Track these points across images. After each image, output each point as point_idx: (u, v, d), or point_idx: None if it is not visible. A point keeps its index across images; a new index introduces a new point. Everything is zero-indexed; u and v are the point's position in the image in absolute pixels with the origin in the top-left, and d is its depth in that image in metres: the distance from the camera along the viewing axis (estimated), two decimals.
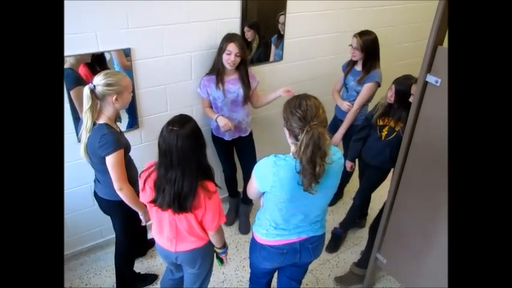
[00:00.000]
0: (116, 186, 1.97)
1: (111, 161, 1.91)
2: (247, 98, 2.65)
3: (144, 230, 2.76)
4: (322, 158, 1.51)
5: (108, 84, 1.84)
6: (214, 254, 2.04)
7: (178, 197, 1.66)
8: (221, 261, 2.05)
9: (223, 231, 1.93)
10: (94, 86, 1.84)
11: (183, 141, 1.58)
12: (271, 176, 1.60)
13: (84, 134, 1.92)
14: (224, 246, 1.99)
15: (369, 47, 2.75)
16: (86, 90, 1.84)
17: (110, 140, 1.88)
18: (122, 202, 2.05)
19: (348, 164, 2.84)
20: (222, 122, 2.59)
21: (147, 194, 1.76)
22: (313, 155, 1.49)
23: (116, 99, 1.89)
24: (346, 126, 3.00)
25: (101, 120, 1.92)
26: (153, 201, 1.72)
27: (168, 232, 1.83)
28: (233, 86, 2.60)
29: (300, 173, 1.55)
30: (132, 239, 2.41)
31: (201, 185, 1.68)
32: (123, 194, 1.99)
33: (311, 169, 1.51)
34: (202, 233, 1.83)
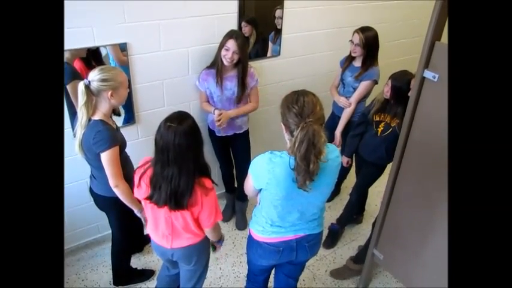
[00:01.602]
0: (111, 183, 1.96)
1: (106, 157, 1.89)
2: (241, 97, 2.63)
3: (141, 225, 2.75)
4: (317, 156, 1.50)
5: (103, 80, 1.82)
6: (210, 246, 2.03)
7: (174, 194, 1.64)
8: (214, 248, 2.04)
9: (219, 227, 1.93)
10: (89, 81, 1.83)
11: (180, 138, 1.57)
12: (266, 173, 1.60)
13: (79, 130, 1.91)
14: (221, 239, 2.00)
15: (370, 44, 2.74)
16: (81, 86, 1.82)
17: (105, 137, 1.87)
18: (117, 198, 2.04)
19: (345, 159, 2.84)
20: (216, 113, 2.59)
21: (142, 191, 1.74)
22: (307, 152, 1.47)
23: (111, 95, 1.87)
24: (343, 124, 3.00)
25: (96, 117, 1.90)
26: (149, 198, 1.71)
27: (163, 229, 1.82)
28: (230, 83, 2.59)
29: (294, 169, 1.54)
30: (129, 235, 2.40)
31: (197, 182, 1.67)
32: (119, 190, 1.98)
33: (305, 166, 1.49)
34: (198, 229, 1.82)
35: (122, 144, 2.01)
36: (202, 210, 1.72)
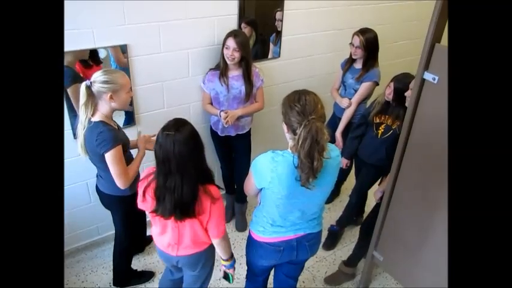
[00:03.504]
0: (118, 183, 1.97)
1: (110, 157, 1.90)
2: (249, 95, 2.64)
3: (144, 226, 2.76)
4: (320, 153, 1.52)
5: (103, 82, 1.83)
6: (222, 271, 1.94)
7: (179, 204, 1.62)
8: (230, 276, 1.95)
9: (229, 240, 1.87)
10: (91, 82, 1.84)
11: (180, 145, 1.54)
12: (269, 172, 1.60)
13: (80, 130, 1.92)
14: (231, 257, 1.91)
15: (370, 45, 2.75)
16: (82, 86, 1.84)
17: (107, 137, 1.87)
18: (123, 197, 2.04)
19: (344, 161, 2.83)
20: (223, 115, 2.60)
21: (148, 204, 1.72)
22: (311, 149, 1.49)
23: (111, 98, 1.87)
24: (343, 125, 3.00)
25: (97, 118, 1.91)
26: (155, 211, 1.68)
27: (170, 237, 1.80)
28: (236, 82, 2.61)
29: (298, 167, 1.55)
30: (132, 234, 2.40)
31: (203, 190, 1.65)
32: (130, 181, 2.00)
33: (309, 163, 1.51)
34: (206, 237, 1.80)
35: (124, 143, 2.02)
36: (210, 218, 1.70)
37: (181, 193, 1.60)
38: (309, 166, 1.52)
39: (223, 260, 1.90)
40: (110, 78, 1.84)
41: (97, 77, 1.84)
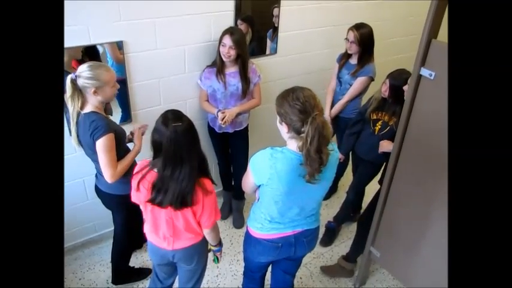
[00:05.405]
0: (107, 174, 1.91)
1: (101, 144, 1.86)
2: (246, 92, 2.65)
3: (142, 222, 2.74)
4: (325, 146, 1.54)
5: (87, 78, 1.82)
6: (211, 254, 2.03)
7: (182, 194, 1.63)
8: (217, 258, 2.05)
9: (218, 229, 1.92)
10: (76, 76, 1.83)
11: (188, 134, 1.59)
12: (268, 169, 1.60)
13: (72, 123, 1.92)
14: (219, 243, 1.98)
15: (365, 41, 2.76)
16: (68, 79, 1.83)
17: (99, 124, 1.86)
18: (124, 196, 2.03)
19: (339, 155, 2.83)
20: (220, 116, 2.61)
21: (142, 195, 1.72)
22: (320, 145, 1.50)
23: (95, 92, 1.86)
24: (334, 114, 3.04)
25: (88, 109, 1.90)
26: (151, 201, 1.68)
27: (164, 231, 1.80)
28: (233, 79, 2.61)
29: (306, 164, 1.54)
30: (131, 233, 2.39)
31: (197, 182, 1.66)
32: (118, 176, 1.95)
33: (319, 159, 1.52)
34: (199, 228, 1.82)
35: (119, 133, 1.99)
36: (203, 211, 1.71)
37: (187, 183, 1.62)
38: (318, 161, 1.52)
39: (212, 246, 1.97)
40: (93, 75, 1.82)
41: (82, 71, 1.83)
